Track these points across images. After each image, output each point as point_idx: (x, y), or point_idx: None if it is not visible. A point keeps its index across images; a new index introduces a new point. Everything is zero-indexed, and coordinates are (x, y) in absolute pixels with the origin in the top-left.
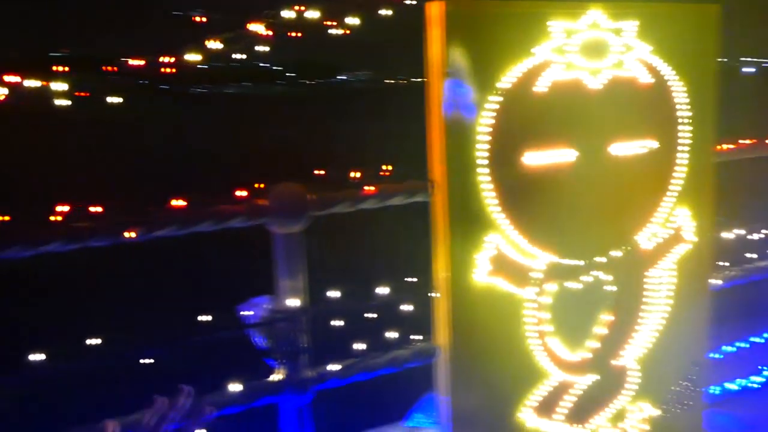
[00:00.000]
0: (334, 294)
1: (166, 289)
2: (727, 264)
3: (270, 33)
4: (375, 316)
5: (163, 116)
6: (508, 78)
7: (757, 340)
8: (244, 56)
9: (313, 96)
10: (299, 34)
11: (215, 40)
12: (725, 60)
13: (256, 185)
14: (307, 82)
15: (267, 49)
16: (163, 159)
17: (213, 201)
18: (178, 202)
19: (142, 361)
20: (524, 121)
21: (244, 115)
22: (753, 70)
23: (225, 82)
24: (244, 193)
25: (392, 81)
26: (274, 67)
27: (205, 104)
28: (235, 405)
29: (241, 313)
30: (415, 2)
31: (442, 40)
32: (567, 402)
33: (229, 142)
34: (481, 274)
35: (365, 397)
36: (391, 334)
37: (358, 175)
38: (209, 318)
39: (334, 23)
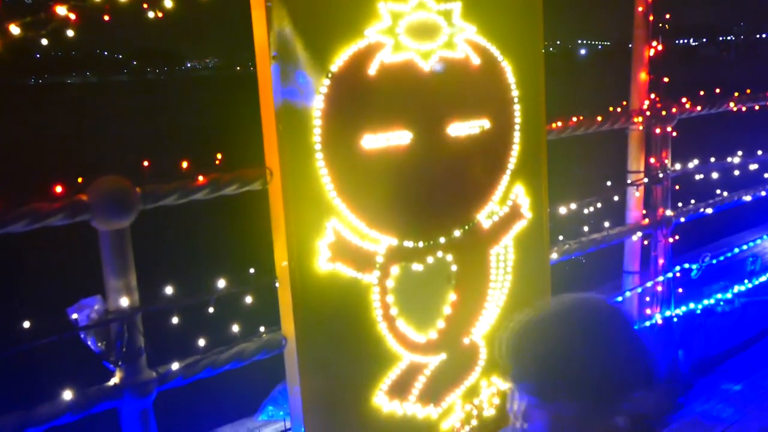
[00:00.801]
0: (169, 290)
1: None
2: (562, 238)
3: (74, 16)
4: (215, 310)
5: None
6: (339, 60)
7: None
8: (45, 42)
9: (155, 86)
10: (107, 18)
11: (16, 24)
12: (558, 43)
13: (77, 180)
14: (150, 71)
15: (72, 33)
16: None
17: (28, 199)
18: None
19: None
20: (358, 104)
21: (71, 106)
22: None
23: (61, 72)
24: (62, 189)
25: (240, 68)
26: (117, 56)
27: (36, 95)
28: (71, 413)
29: (71, 316)
30: None
31: (265, 22)
32: (420, 383)
33: (49, 135)
34: (323, 261)
35: (216, 392)
36: (236, 328)
37: (187, 165)
38: (33, 323)
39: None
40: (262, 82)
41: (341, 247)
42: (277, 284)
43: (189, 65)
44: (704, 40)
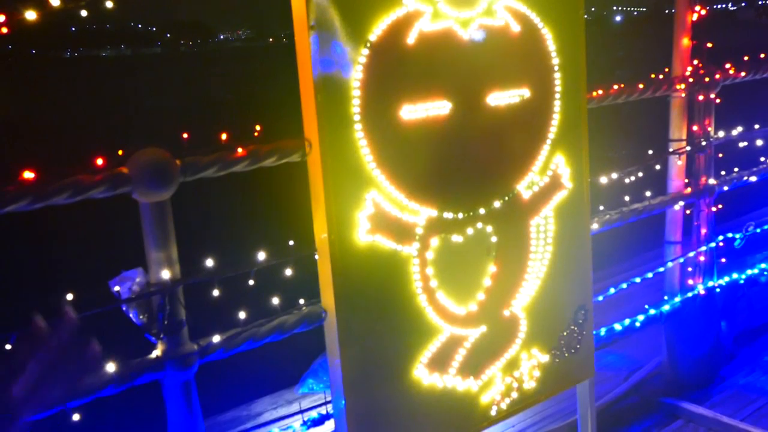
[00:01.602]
0: (209, 263)
1: (28, 267)
2: (602, 208)
3: None
4: (255, 283)
5: (17, 83)
6: (377, 30)
7: (637, 279)
8: (85, 13)
9: (188, 58)
10: None
11: None
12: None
13: (118, 152)
14: (183, 43)
15: (111, 5)
16: (16, 128)
17: (70, 171)
18: (29, 174)
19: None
20: (397, 74)
21: (108, 79)
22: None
23: (96, 45)
24: (103, 162)
25: (272, 40)
26: (151, 29)
27: (72, 68)
28: (114, 385)
29: (113, 288)
30: None
31: None
32: (460, 355)
33: (87, 108)
34: (362, 233)
35: (257, 365)
36: (276, 300)
37: (226, 137)
38: (76, 296)
39: None
40: (301, 53)
41: (381, 218)
42: (317, 256)
43: (222, 37)
44: (743, 4)
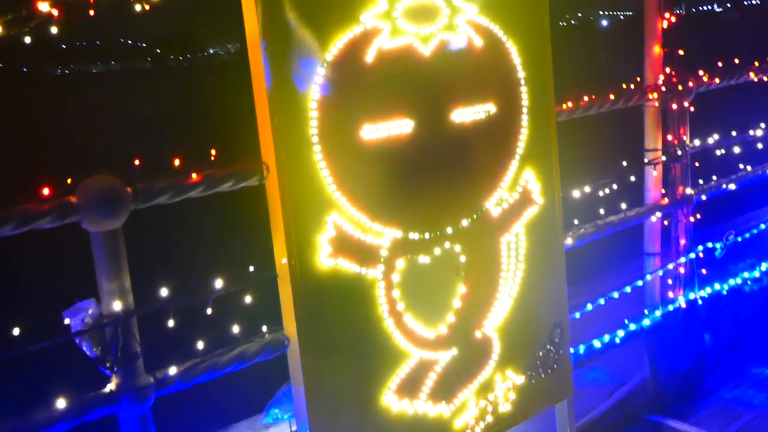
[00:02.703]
0: (166, 291)
1: None
2: (577, 222)
3: (57, 12)
4: (216, 310)
5: None
6: (334, 49)
7: (615, 294)
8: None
9: (178, 72)
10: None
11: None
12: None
13: (67, 180)
14: (173, 58)
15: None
16: None
17: (15, 201)
18: None
19: None
20: (356, 93)
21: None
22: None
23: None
24: (50, 191)
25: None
26: (140, 44)
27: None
28: (66, 421)
29: (66, 320)
30: None
31: (255, 10)
32: (431, 380)
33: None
34: (324, 256)
35: (219, 395)
36: (237, 329)
37: (179, 162)
38: (27, 328)
39: None
40: (255, 75)
41: (343, 241)
42: (277, 282)
43: (211, 51)
44: (728, 5)
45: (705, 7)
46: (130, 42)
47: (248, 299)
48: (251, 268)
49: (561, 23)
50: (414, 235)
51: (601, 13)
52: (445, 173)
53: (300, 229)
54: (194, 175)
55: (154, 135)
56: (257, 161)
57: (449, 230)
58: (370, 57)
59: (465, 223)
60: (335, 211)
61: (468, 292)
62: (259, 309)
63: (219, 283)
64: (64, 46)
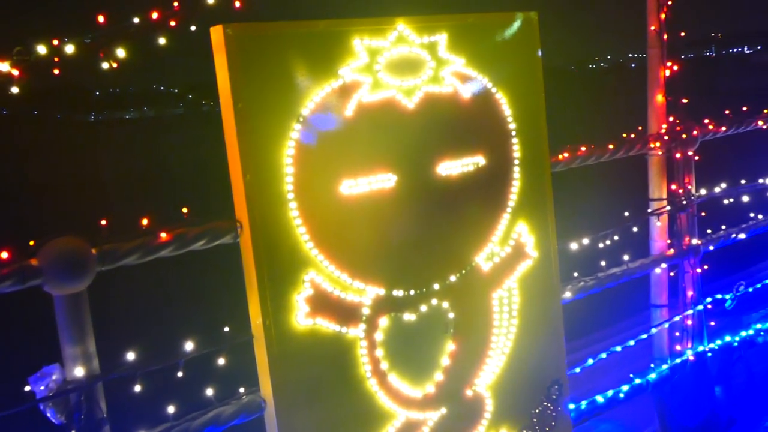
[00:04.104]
0: (134, 354)
1: None
2: (576, 275)
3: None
4: (192, 373)
5: None
6: (310, 104)
7: (618, 348)
8: None
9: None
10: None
11: None
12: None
13: (30, 242)
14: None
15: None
16: None
17: None
18: None
19: None
20: (334, 148)
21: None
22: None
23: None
24: (8, 255)
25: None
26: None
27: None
28: None
29: (32, 385)
30: (194, 28)
31: (227, 66)
32: None
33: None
34: (301, 316)
35: None
36: (214, 391)
37: (148, 221)
38: None
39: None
40: (228, 131)
41: (321, 300)
42: (252, 343)
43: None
44: (759, 47)
45: (739, 49)
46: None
47: (224, 360)
48: (226, 329)
49: (572, 67)
50: (398, 292)
51: (608, 57)
52: (431, 227)
53: (275, 288)
54: (164, 235)
55: (124, 192)
56: (230, 219)
57: (436, 286)
58: (349, 111)
59: (453, 278)
60: (313, 269)
61: (457, 349)
62: (237, 369)
63: (190, 345)
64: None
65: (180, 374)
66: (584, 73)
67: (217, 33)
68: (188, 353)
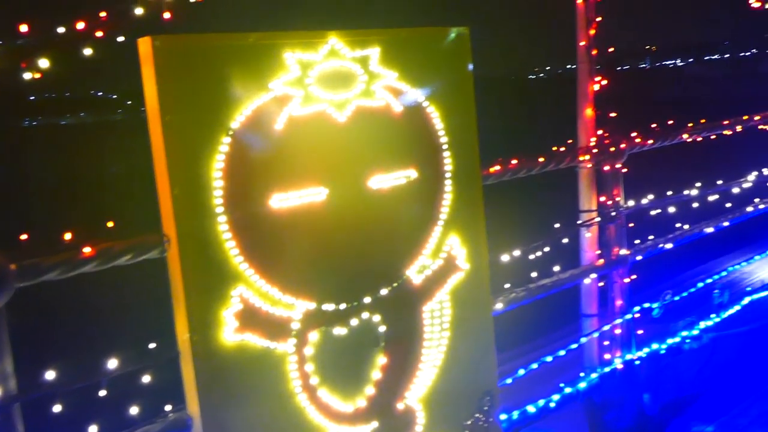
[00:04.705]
0: (53, 373)
1: None
2: (508, 286)
3: None
4: (120, 390)
5: None
6: (240, 117)
7: (549, 358)
8: None
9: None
10: None
11: None
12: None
13: None
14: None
15: None
16: None
17: None
18: None
19: None
20: (264, 161)
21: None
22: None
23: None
24: None
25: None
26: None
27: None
28: None
29: None
30: (122, 39)
31: (155, 78)
32: None
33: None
34: (229, 331)
35: None
36: (136, 410)
37: (71, 236)
38: None
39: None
40: (155, 144)
41: (250, 315)
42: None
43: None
44: (690, 60)
45: (672, 62)
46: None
47: (148, 378)
48: (152, 345)
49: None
50: (329, 306)
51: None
52: (362, 241)
53: (203, 303)
54: (87, 249)
55: (49, 203)
56: (158, 233)
57: (367, 300)
58: (280, 124)
59: (384, 291)
60: (242, 283)
61: (388, 362)
62: (163, 387)
63: (113, 363)
64: None
65: (103, 393)
66: (521, 84)
67: (144, 44)
68: (112, 371)
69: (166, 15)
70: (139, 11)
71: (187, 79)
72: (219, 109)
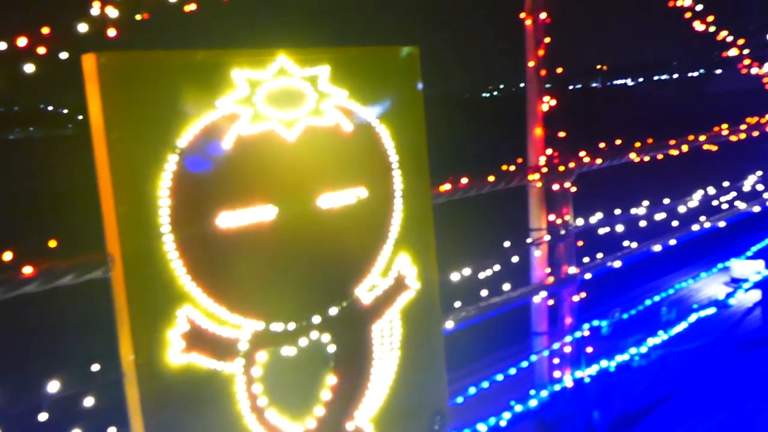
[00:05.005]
0: None
1: None
2: (459, 305)
3: None
4: (49, 416)
5: None
6: (187, 135)
7: (500, 377)
8: None
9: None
10: None
11: None
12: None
13: None
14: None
15: None
16: None
17: None
18: None
19: None
20: (212, 180)
21: None
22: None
23: None
24: None
25: None
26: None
27: None
28: None
29: None
30: (67, 55)
31: (99, 94)
32: None
33: None
34: (175, 352)
35: None
36: None
37: (12, 255)
38: None
39: None
40: (99, 161)
41: (196, 336)
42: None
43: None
44: (641, 79)
45: (623, 81)
46: None
47: (91, 401)
48: (95, 367)
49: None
50: (277, 326)
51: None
52: (311, 260)
53: (148, 324)
54: (28, 269)
55: None
56: (102, 252)
57: (316, 319)
58: (228, 143)
59: (334, 311)
60: (188, 303)
61: (338, 382)
62: (107, 410)
63: (54, 386)
64: None
65: (44, 416)
66: (475, 103)
67: (89, 61)
68: (53, 393)
69: (111, 32)
70: (83, 28)
71: (133, 97)
72: (166, 126)
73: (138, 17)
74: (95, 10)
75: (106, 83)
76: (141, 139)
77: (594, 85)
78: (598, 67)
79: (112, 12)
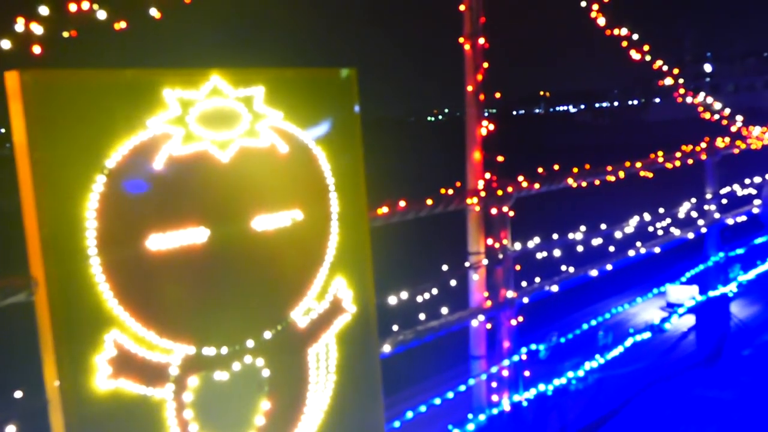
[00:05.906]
0: None
1: None
2: (396, 328)
3: None
4: None
5: None
6: (116, 155)
7: (437, 401)
8: None
9: None
10: None
11: None
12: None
13: None
14: None
15: None
16: None
17: None
18: None
19: None
20: (141, 201)
21: None
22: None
23: None
24: None
25: None
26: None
27: None
28: None
29: None
30: None
31: (23, 114)
32: None
33: None
34: (102, 378)
35: None
36: None
37: None
38: None
39: None
40: (23, 181)
41: (124, 361)
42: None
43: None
44: (582, 106)
45: (565, 107)
46: None
47: (13, 429)
48: (18, 393)
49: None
50: (209, 350)
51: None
52: (245, 283)
53: (74, 349)
54: None
55: None
56: (25, 275)
57: (250, 343)
58: (158, 163)
59: (268, 335)
60: (116, 327)
61: (273, 407)
62: None
63: None
64: None
65: None
66: (420, 126)
67: (12, 79)
68: None
69: (37, 49)
70: (6, 44)
71: (59, 116)
72: (93, 147)
73: (65, 34)
74: (19, 27)
75: (30, 102)
76: (67, 160)
77: (537, 110)
78: (541, 93)
79: (37, 29)
